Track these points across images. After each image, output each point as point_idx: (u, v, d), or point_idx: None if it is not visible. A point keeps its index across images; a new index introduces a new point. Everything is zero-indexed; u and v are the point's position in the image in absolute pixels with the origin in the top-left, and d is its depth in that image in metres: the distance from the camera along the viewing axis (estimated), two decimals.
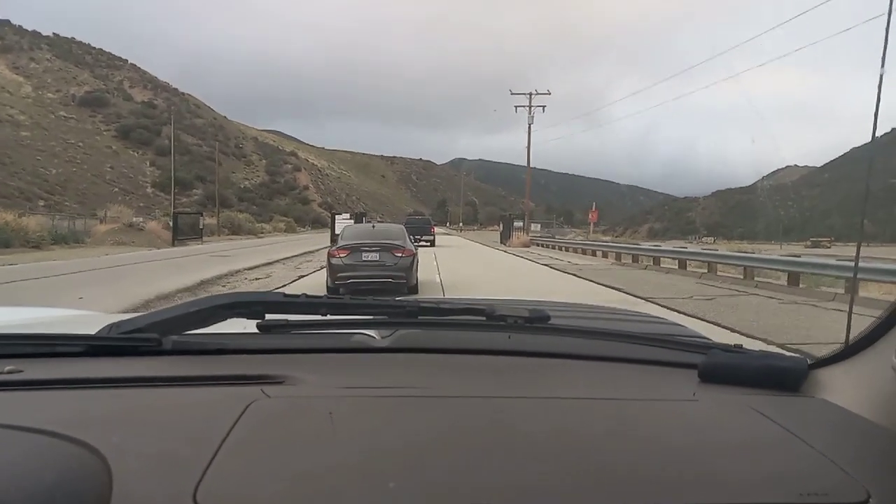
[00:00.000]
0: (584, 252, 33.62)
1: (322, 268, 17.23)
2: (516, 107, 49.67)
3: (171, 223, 45.97)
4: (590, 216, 40.02)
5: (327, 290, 12.32)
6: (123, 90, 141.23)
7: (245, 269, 20.88)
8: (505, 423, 0.87)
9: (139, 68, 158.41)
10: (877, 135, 1.09)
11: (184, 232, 46.18)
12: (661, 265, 22.54)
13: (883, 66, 0.99)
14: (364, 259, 12.50)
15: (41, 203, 76.97)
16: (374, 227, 15.95)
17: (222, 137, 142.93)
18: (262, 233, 69.83)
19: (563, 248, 38.17)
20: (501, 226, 46.97)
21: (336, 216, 42.80)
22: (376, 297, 1.25)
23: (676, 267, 21.42)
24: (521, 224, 43.09)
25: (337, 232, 40.98)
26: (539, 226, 48.73)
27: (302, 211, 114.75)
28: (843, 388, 0.99)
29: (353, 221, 43.25)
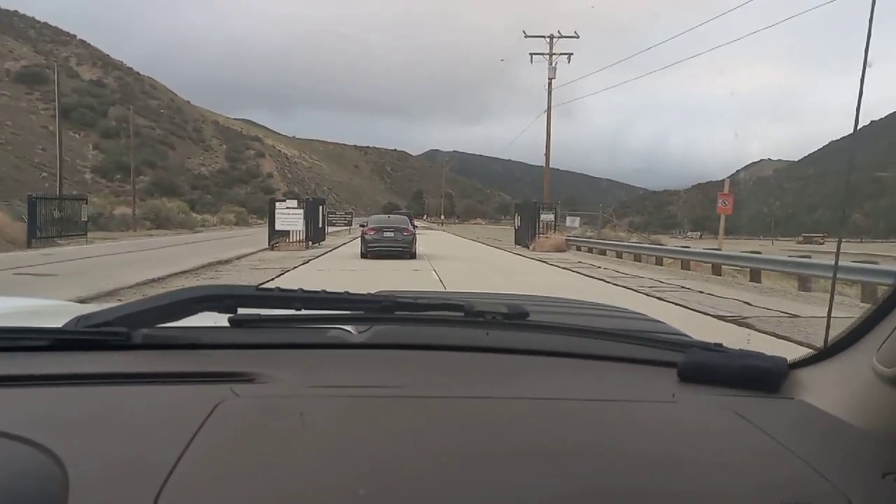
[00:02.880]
0: (687, 266, 19.15)
1: None
2: (532, 55, 35.24)
3: (55, 213, 30.65)
4: (719, 203, 20.94)
5: (361, 256, 21.19)
6: (69, 67, 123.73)
7: None
8: (480, 427, 0.83)
9: (89, 45, 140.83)
10: (857, 129, 1.05)
11: (64, 225, 30.96)
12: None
13: (866, 59, 0.95)
14: (384, 235, 21.39)
15: None
16: (389, 217, 25.89)
17: (179, 120, 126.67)
18: (200, 226, 54.52)
19: (625, 256, 23.84)
20: (518, 219, 32.17)
21: (277, 203, 27.80)
22: (351, 292, 1.16)
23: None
24: (549, 217, 28.36)
25: (278, 227, 26.17)
26: (578, 220, 34.29)
27: (264, 201, 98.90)
28: (822, 389, 0.95)
29: (302, 210, 28.84)
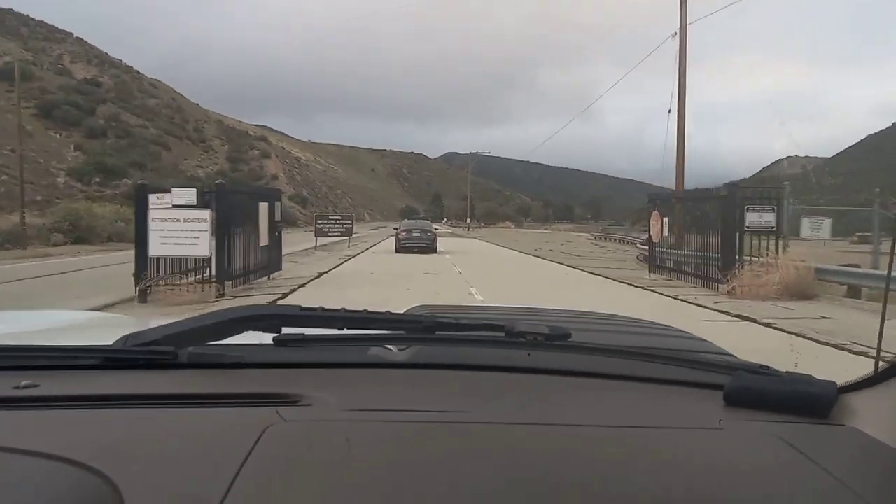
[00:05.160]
0: None
1: None
2: None
3: None
4: None
5: (396, 251, 26.08)
6: (60, 64, 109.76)
7: None
8: (522, 456, 0.81)
9: (86, 42, 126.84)
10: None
11: None
12: None
13: None
14: (413, 235, 26.94)
15: None
16: (416, 222, 31.59)
17: (179, 119, 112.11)
18: None
19: None
20: (661, 224, 15.78)
21: (151, 198, 11.93)
22: (393, 312, 1.16)
23: None
24: (763, 219, 12.70)
25: (154, 252, 10.33)
26: (827, 224, 14.49)
27: None
28: (874, 415, 0.90)
29: (207, 214, 13.48)
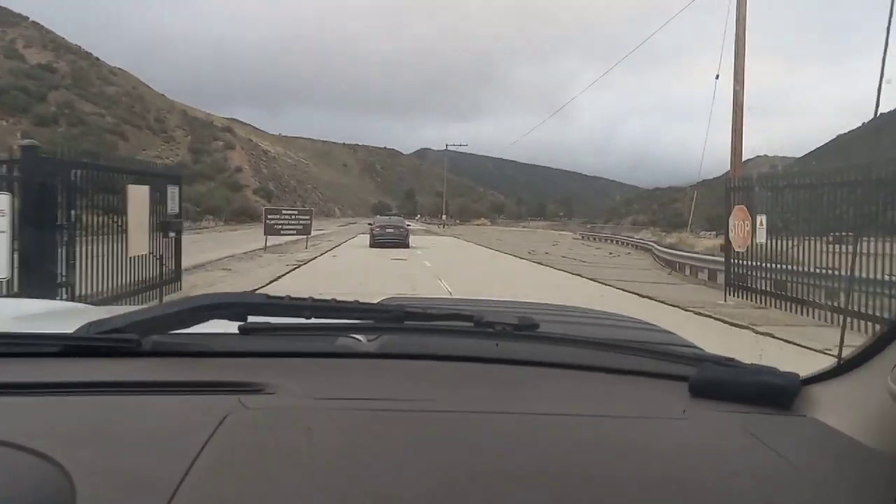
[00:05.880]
0: None
1: None
2: None
3: None
4: None
5: (370, 246, 27.09)
6: (12, 48, 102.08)
7: None
8: (487, 446, 0.79)
9: (42, 27, 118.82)
10: (866, 121, 0.85)
11: None
12: None
13: (886, 46, 0.90)
14: (386, 231, 28.68)
15: None
16: (390, 218, 33.30)
17: (139, 108, 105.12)
18: None
19: None
20: (754, 224, 10.47)
21: None
22: (361, 301, 1.13)
23: None
24: None
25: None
26: None
27: (227, 199, 77.98)
28: (835, 407, 0.90)
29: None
